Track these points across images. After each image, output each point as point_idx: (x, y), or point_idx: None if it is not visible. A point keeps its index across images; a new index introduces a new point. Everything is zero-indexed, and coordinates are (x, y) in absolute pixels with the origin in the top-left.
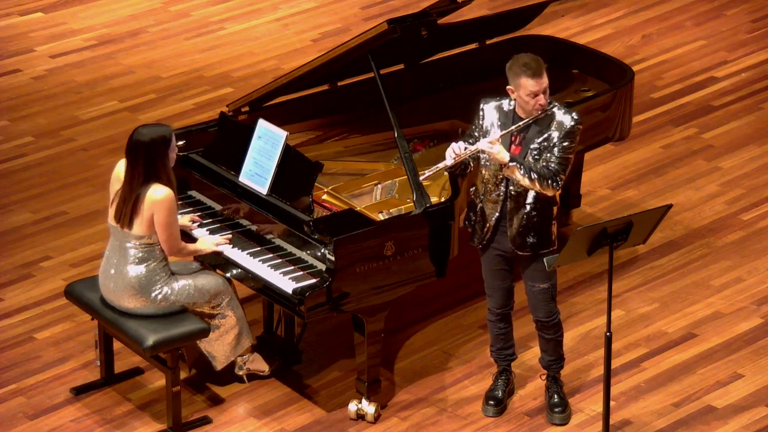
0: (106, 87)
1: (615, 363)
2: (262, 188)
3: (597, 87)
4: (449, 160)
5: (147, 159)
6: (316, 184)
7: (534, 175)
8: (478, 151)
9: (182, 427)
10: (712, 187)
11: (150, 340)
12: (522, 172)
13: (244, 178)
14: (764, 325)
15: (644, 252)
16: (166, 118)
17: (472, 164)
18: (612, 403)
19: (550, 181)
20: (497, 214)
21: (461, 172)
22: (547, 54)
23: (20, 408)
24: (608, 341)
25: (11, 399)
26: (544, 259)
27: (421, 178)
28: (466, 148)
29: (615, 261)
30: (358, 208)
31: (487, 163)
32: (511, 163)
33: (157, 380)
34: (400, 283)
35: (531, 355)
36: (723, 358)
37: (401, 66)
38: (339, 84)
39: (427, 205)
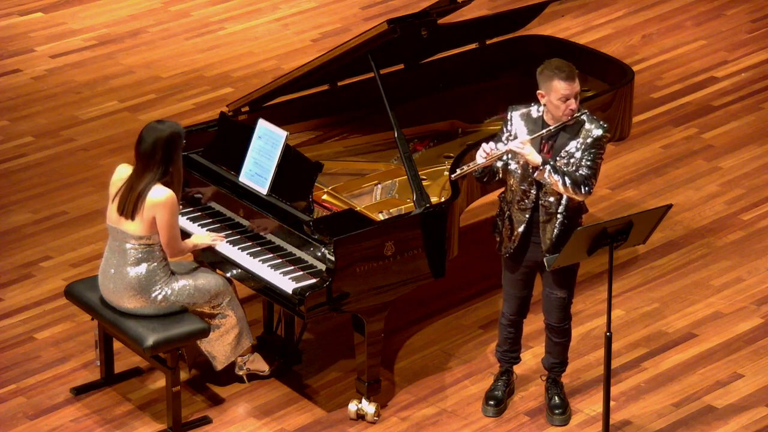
0: (106, 87)
1: (615, 363)
2: (262, 188)
3: (597, 87)
4: (480, 159)
5: (165, 153)
6: (316, 184)
7: (567, 180)
8: (509, 152)
9: (182, 427)
10: (712, 187)
11: (150, 340)
12: (556, 176)
13: (244, 178)
14: (764, 325)
15: (644, 252)
16: (166, 118)
17: (501, 172)
18: (612, 403)
19: (582, 186)
20: (524, 224)
21: (489, 179)
22: (547, 54)
23: (20, 408)
24: (608, 341)
25: (11, 399)
26: (545, 259)
27: (453, 176)
28: (497, 147)
29: (615, 261)
30: (358, 208)
31: (515, 172)
32: (543, 166)
33: (157, 380)
34: (400, 283)
35: (531, 356)
36: (723, 358)
37: (401, 66)
38: (339, 84)
39: (427, 205)
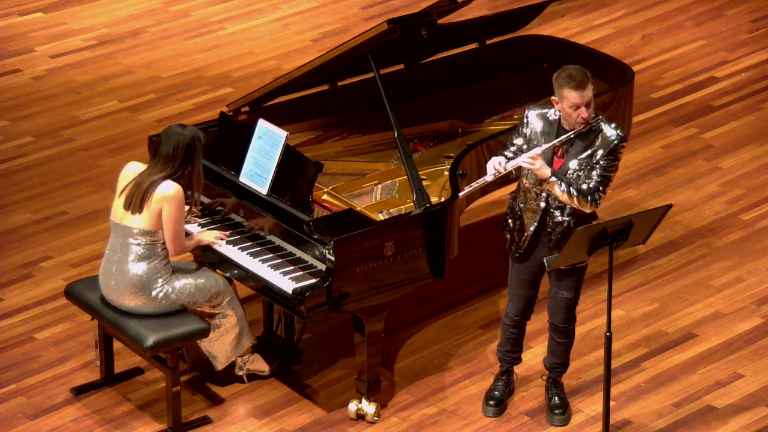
0: (106, 87)
1: (615, 363)
2: (262, 188)
3: (597, 87)
4: (490, 176)
5: (185, 157)
6: (316, 184)
7: (574, 192)
8: (519, 166)
9: (182, 427)
10: (712, 187)
11: (150, 340)
12: (562, 188)
13: (245, 178)
14: (764, 325)
15: (644, 252)
16: (166, 118)
17: (513, 172)
18: (612, 403)
19: (588, 198)
20: (535, 224)
21: (502, 182)
22: (548, 54)
23: (20, 408)
24: (608, 341)
25: (11, 399)
26: (545, 259)
27: (461, 194)
28: (508, 162)
29: (615, 261)
30: (358, 208)
31: (528, 173)
32: (551, 179)
33: (157, 380)
34: (400, 283)
35: (531, 356)
36: (723, 358)
37: (401, 66)
38: (339, 84)
39: (427, 205)
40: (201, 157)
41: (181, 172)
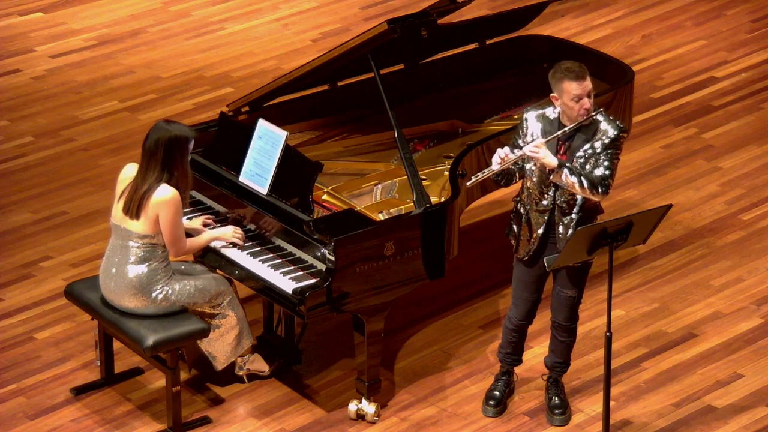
0: (106, 87)
1: (615, 363)
2: (262, 188)
3: (597, 87)
4: (495, 165)
5: (166, 154)
6: (316, 184)
7: (584, 181)
8: (524, 156)
9: (182, 427)
10: (712, 187)
11: (150, 340)
12: (573, 177)
13: (244, 178)
14: (764, 325)
15: (644, 252)
16: (166, 119)
17: (518, 174)
18: (612, 403)
19: (599, 187)
20: (544, 225)
21: (507, 182)
22: (548, 54)
23: (20, 408)
24: (608, 341)
25: (11, 399)
26: (545, 259)
27: (468, 184)
28: (512, 152)
29: (615, 261)
30: (358, 208)
31: (532, 173)
32: (558, 168)
33: (157, 380)
34: (400, 283)
35: (531, 356)
36: (723, 358)
37: (401, 66)
38: (339, 84)
39: (427, 205)
40: (187, 154)
41: (168, 171)
